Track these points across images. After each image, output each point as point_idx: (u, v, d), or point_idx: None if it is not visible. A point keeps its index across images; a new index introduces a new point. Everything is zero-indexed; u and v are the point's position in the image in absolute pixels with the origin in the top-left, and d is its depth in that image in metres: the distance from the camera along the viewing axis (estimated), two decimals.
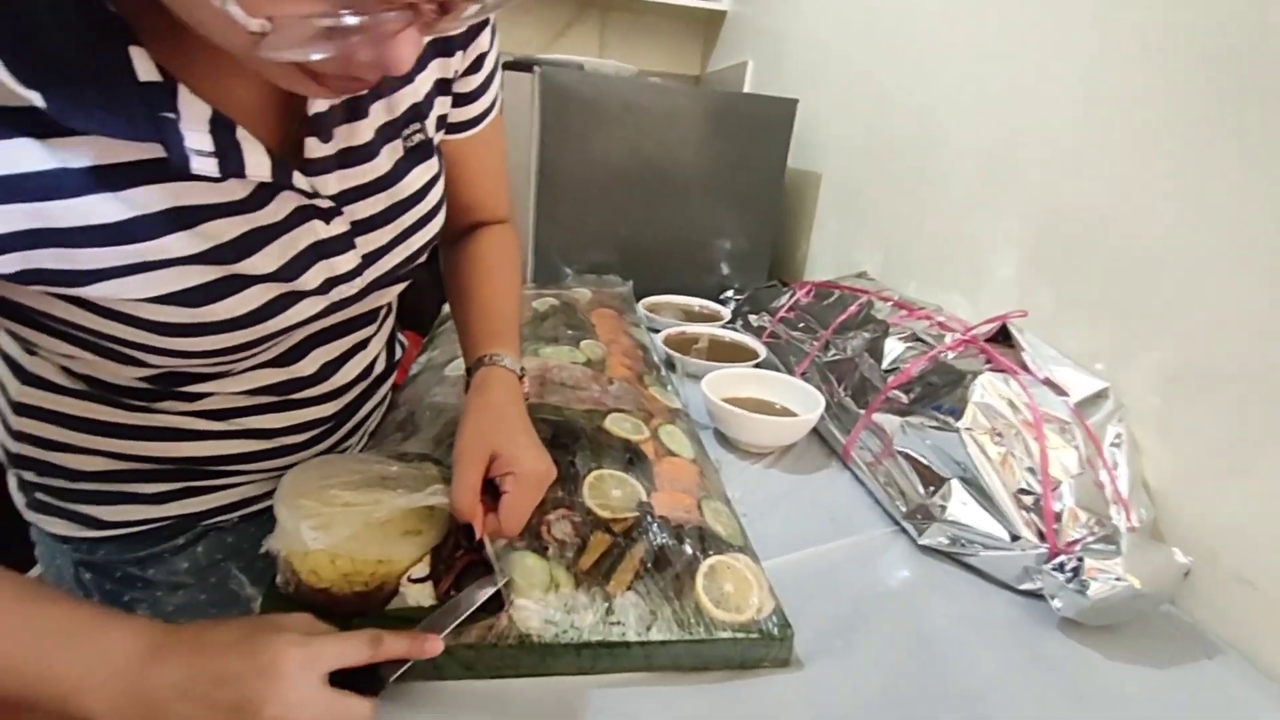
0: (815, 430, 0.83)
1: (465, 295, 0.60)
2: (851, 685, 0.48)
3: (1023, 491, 0.59)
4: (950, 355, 0.72)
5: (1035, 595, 0.58)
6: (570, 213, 1.24)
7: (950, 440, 0.62)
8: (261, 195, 0.41)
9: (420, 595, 0.46)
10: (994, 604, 0.58)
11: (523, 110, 1.16)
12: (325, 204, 0.44)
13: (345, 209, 0.46)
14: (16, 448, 0.50)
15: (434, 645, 0.39)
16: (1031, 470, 0.59)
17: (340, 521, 0.43)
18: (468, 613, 0.43)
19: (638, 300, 1.18)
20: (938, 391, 0.67)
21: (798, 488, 0.74)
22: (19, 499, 0.53)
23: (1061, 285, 0.75)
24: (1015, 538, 0.58)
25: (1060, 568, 0.54)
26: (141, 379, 0.45)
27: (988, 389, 0.62)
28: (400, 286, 0.57)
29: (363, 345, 0.58)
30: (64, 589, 0.56)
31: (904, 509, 0.67)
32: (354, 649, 0.37)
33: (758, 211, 1.31)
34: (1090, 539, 0.55)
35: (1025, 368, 0.67)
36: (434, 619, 0.42)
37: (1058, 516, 0.57)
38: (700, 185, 1.26)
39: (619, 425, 0.66)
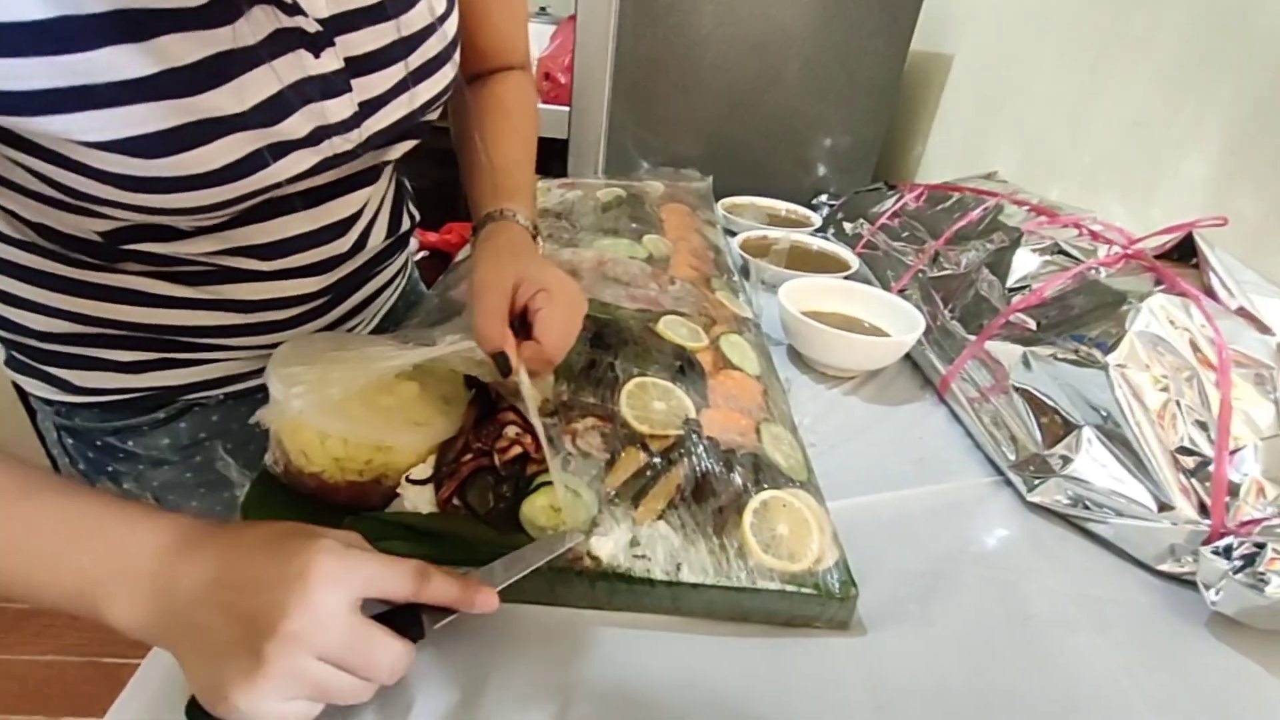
0: (909, 356, 0.70)
1: (473, 146, 0.52)
2: (923, 660, 0.39)
3: (1184, 450, 0.45)
4: (1104, 273, 0.56)
5: (1180, 580, 0.46)
6: (650, 96, 1.10)
7: (1091, 379, 0.49)
8: (227, 6, 0.33)
9: (420, 499, 0.40)
10: (1120, 584, 0.47)
11: None
12: (312, 27, 0.36)
13: (339, 39, 0.37)
14: None
15: (488, 600, 0.33)
16: (1202, 425, 0.45)
17: (332, 382, 0.37)
18: (534, 567, 0.36)
19: (717, 200, 1.05)
20: (1082, 318, 0.53)
21: (880, 420, 0.62)
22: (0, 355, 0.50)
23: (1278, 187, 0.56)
24: (1165, 507, 0.45)
25: (1226, 552, 0.42)
26: (99, 234, 0.39)
27: (1158, 316, 0.48)
28: (407, 145, 0.48)
29: (357, 214, 0.50)
30: (57, 455, 0.54)
31: (1012, 457, 0.55)
32: (396, 577, 0.30)
33: (869, 101, 1.11)
34: (1277, 522, 0.42)
35: (1212, 293, 0.51)
36: (493, 567, 0.35)
37: (1233, 488, 0.43)
38: (803, 68, 1.08)
39: (673, 329, 0.57)
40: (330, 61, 0.38)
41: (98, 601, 0.28)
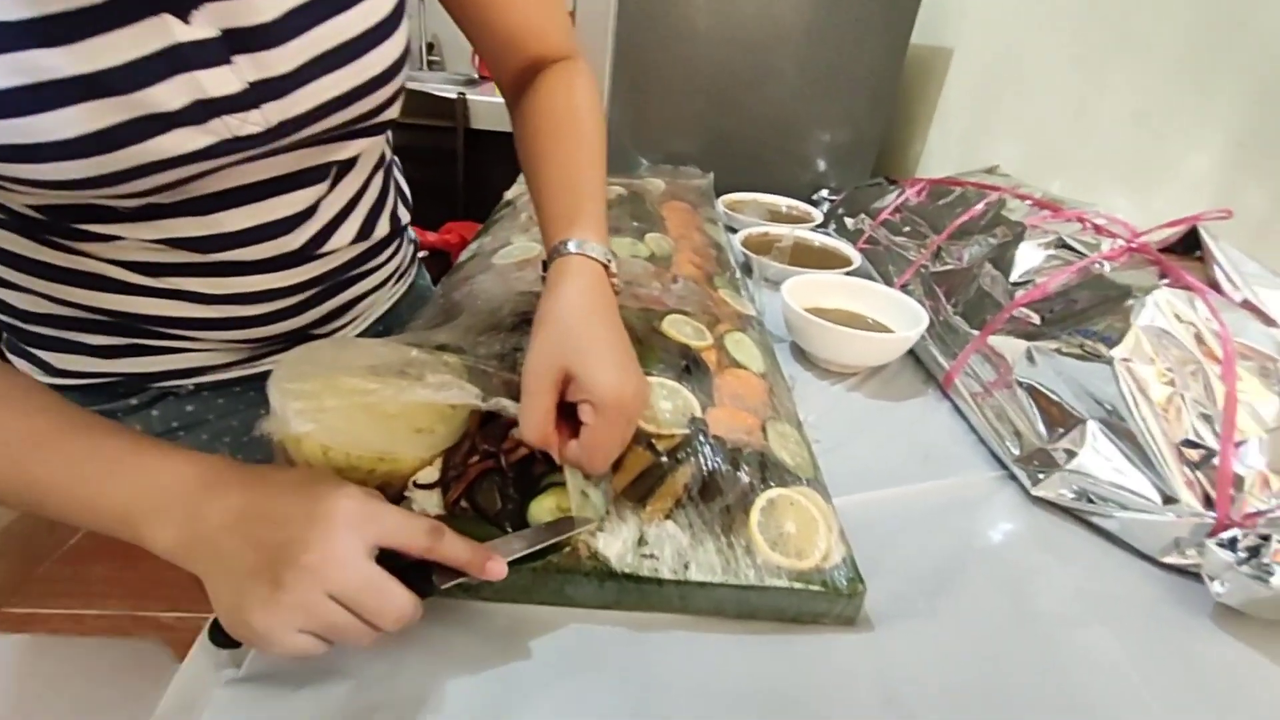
0: (912, 352, 0.70)
1: (532, 165, 0.49)
2: (931, 656, 0.39)
3: (1189, 444, 0.45)
4: (1107, 267, 0.56)
5: (1185, 572, 0.46)
6: (649, 94, 1.10)
7: (1095, 373, 0.49)
8: None
9: (427, 503, 0.40)
10: (1125, 577, 0.47)
11: None
12: None
13: (209, 5, 0.35)
14: None
15: (497, 567, 0.34)
16: (1207, 418, 0.45)
17: (331, 408, 0.38)
18: (543, 545, 0.37)
19: (718, 196, 1.05)
20: (1086, 312, 0.53)
21: (885, 416, 0.63)
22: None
23: None
24: (1169, 500, 0.45)
25: (1231, 544, 0.42)
26: (33, 208, 0.39)
27: (1163, 310, 0.48)
28: (358, 144, 0.46)
29: (305, 213, 0.47)
30: None
31: (1016, 452, 0.55)
32: (412, 530, 0.32)
33: (868, 97, 1.11)
34: None
35: (1216, 287, 0.51)
36: (501, 540, 0.36)
37: (1238, 480, 0.43)
38: (802, 64, 1.08)
39: (678, 328, 0.57)
40: (202, 28, 0.35)
41: (135, 528, 0.31)
